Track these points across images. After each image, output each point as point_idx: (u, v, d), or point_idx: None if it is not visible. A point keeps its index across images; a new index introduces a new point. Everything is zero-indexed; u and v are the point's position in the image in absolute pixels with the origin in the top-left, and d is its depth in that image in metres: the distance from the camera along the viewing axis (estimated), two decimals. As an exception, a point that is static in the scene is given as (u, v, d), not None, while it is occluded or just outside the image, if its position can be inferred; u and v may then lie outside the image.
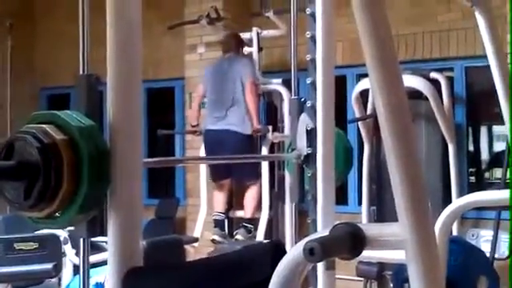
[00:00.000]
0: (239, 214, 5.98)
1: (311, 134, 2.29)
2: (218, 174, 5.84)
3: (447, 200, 4.81)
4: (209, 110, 5.84)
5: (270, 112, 6.55)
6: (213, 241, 5.64)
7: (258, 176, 5.69)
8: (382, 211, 5.60)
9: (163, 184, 7.86)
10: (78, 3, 1.57)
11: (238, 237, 5.67)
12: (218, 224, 5.75)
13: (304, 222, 2.35)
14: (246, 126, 5.61)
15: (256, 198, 5.75)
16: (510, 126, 2.20)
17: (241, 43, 5.97)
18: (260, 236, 5.57)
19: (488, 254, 4.92)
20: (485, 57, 2.23)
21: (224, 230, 5.77)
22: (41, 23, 8.22)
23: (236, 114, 5.63)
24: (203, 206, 6.03)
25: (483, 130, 7.31)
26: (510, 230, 4.64)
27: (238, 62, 5.75)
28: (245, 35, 6.16)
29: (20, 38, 7.96)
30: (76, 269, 3.92)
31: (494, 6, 2.26)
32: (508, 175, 5.33)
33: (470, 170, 6.41)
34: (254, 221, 5.76)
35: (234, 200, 6.12)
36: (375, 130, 5.54)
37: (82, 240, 1.51)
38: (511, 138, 2.21)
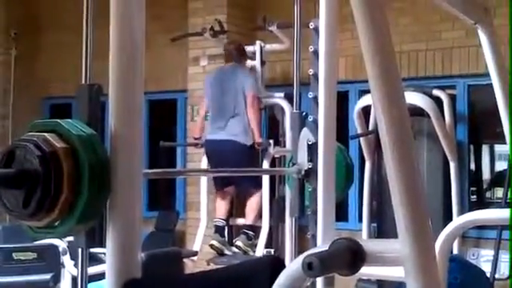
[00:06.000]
0: (240, 221, 5.97)
1: (312, 149, 2.28)
2: (220, 183, 5.84)
3: (448, 218, 4.79)
4: (210, 119, 5.84)
5: (272, 126, 6.55)
6: (211, 246, 5.62)
7: (260, 184, 5.68)
8: (383, 228, 5.58)
9: (163, 197, 7.85)
10: (83, 14, 1.57)
11: (239, 243, 5.65)
12: (218, 230, 5.73)
13: (304, 237, 2.34)
14: (247, 137, 5.60)
15: (258, 205, 5.74)
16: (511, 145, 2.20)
17: (243, 53, 5.97)
18: (260, 246, 5.56)
19: (488, 274, 4.90)
20: (487, 75, 2.23)
21: (224, 237, 5.76)
22: (45, 33, 8.26)
23: (237, 125, 5.62)
24: (203, 219, 6.01)
25: (485, 149, 7.31)
26: (510, 249, 4.62)
27: (240, 73, 5.76)
28: (248, 48, 6.18)
29: (24, 48, 8.00)
30: (75, 281, 3.90)
31: (498, 24, 2.26)
32: (509, 195, 5.31)
33: (472, 188, 6.40)
34: (254, 228, 5.74)
35: (235, 208, 6.12)
36: (377, 147, 5.54)
37: (80, 250, 1.50)
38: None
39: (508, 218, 2.53)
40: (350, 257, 1.06)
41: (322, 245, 1.95)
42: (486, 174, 7.39)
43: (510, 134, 2.19)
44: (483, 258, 5.51)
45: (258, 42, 6.18)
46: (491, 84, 2.23)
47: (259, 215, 5.74)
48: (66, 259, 3.99)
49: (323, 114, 2.19)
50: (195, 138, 6.03)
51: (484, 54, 2.22)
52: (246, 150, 5.58)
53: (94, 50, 1.57)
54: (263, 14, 6.26)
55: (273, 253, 5.59)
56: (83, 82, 1.50)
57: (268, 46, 6.20)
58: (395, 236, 1.05)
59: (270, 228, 5.76)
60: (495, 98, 2.23)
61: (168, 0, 7.11)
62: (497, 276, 5.19)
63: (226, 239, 5.81)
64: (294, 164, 2.38)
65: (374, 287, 5.07)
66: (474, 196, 6.65)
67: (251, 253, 5.62)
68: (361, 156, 5.87)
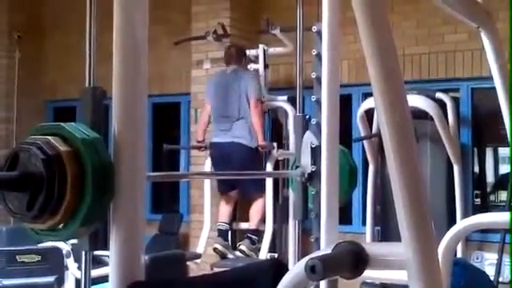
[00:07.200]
0: (243, 225, 5.98)
1: (315, 152, 2.28)
2: (225, 186, 5.85)
3: (452, 222, 4.77)
4: (214, 122, 5.86)
5: (276, 129, 6.56)
6: (215, 250, 5.63)
7: (264, 188, 5.70)
8: (387, 232, 5.57)
9: (167, 199, 7.85)
10: (86, 17, 1.58)
11: (242, 247, 5.66)
12: (222, 234, 5.75)
13: (307, 240, 2.34)
14: (252, 139, 5.64)
15: (262, 209, 5.76)
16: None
17: (243, 55, 5.99)
18: (264, 249, 5.56)
19: (492, 278, 4.88)
20: (491, 78, 2.23)
21: (227, 241, 5.77)
22: (48, 36, 8.27)
23: (242, 127, 5.66)
24: (207, 222, 6.02)
25: (489, 152, 7.29)
26: (510, 253, 4.60)
27: (242, 76, 5.78)
28: (251, 52, 6.18)
29: (27, 51, 8.01)
30: (78, 283, 3.90)
31: (500, 28, 2.26)
32: (508, 198, 5.30)
33: (475, 192, 6.38)
34: (258, 232, 5.74)
35: (239, 212, 6.12)
36: (380, 150, 5.53)
37: (83, 253, 1.50)
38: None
39: (512, 222, 2.52)
40: (353, 260, 1.06)
41: (325, 248, 1.94)
42: (490, 177, 7.37)
43: (511, 136, 2.19)
44: (487, 262, 5.49)
45: (261, 46, 6.19)
46: (495, 87, 2.22)
47: (263, 219, 5.75)
48: (70, 262, 4.00)
49: (326, 117, 2.19)
50: (198, 141, 6.04)
51: (487, 57, 2.22)
52: (252, 152, 5.61)
53: (100, 52, 1.57)
54: (266, 17, 6.26)
55: (276, 257, 5.59)
56: (87, 85, 1.50)
57: (271, 50, 6.21)
58: (399, 239, 1.05)
59: (274, 231, 5.76)
60: (498, 100, 2.23)
61: (172, 3, 7.13)
62: (501, 279, 5.17)
63: (230, 243, 5.82)
64: (297, 167, 2.38)
65: (378, 290, 5.06)
66: (478, 199, 6.63)
67: (255, 257, 5.62)
68: (364, 159, 5.86)
